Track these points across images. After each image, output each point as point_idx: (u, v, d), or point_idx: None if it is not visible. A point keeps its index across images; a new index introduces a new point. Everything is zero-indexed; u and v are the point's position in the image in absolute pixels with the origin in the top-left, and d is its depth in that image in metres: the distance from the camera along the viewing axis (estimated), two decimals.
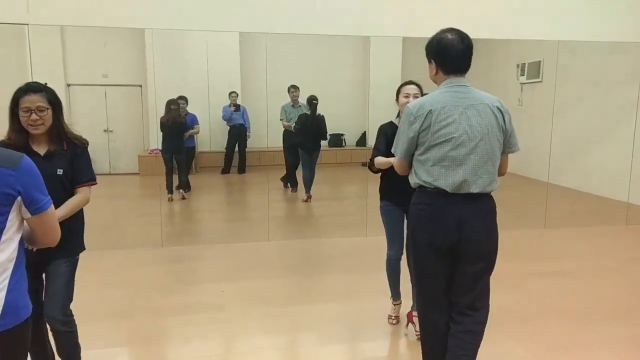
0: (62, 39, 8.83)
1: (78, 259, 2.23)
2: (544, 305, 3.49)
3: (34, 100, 2.01)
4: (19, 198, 1.40)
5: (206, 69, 9.08)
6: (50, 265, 2.05)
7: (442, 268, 2.08)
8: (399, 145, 2.15)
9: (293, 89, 7.25)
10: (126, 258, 4.42)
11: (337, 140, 9.74)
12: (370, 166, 2.99)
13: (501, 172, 2.14)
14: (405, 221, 2.57)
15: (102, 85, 8.98)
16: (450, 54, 2.05)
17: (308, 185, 6.79)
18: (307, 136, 6.72)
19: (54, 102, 2.09)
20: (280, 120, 7.30)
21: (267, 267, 4.29)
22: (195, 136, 7.47)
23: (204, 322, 3.19)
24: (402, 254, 3.02)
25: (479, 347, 2.12)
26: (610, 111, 6.94)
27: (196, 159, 8.89)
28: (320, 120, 6.78)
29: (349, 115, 9.88)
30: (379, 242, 4.94)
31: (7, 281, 1.39)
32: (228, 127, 8.60)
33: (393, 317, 3.18)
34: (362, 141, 9.93)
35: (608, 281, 3.94)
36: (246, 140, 8.58)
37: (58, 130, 2.11)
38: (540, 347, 2.88)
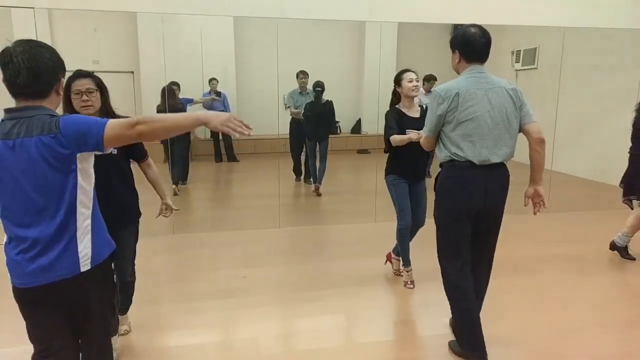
0: (50, 24, 8.54)
1: (139, 223, 2.65)
2: (566, 286, 3.60)
3: (84, 83, 2.26)
4: (78, 154, 1.53)
5: (200, 54, 8.92)
6: (119, 232, 2.28)
7: (468, 228, 2.45)
8: (428, 123, 2.49)
9: (302, 75, 6.87)
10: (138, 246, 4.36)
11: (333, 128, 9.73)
12: (386, 146, 3.28)
13: (535, 138, 2.44)
14: (417, 189, 3.35)
15: (93, 71, 8.74)
16: (474, 45, 2.41)
17: (320, 176, 6.50)
18: (314, 125, 6.45)
19: (102, 86, 2.33)
20: (287, 107, 7.05)
21: (282, 253, 4.30)
22: None
23: (231, 307, 3.20)
24: (411, 223, 3.37)
25: None
26: (606, 98, 7.08)
27: (192, 147, 8.80)
28: (329, 107, 6.50)
29: (344, 102, 9.84)
30: (389, 228, 5.01)
31: (90, 225, 1.62)
32: None
33: (409, 282, 3.49)
34: (357, 128, 9.95)
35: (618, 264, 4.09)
36: None
37: (107, 112, 2.32)
38: (565, 326, 2.98)
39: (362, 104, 10.14)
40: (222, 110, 8.53)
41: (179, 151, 6.53)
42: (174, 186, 6.33)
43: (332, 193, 7.03)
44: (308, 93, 6.83)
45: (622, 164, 4.15)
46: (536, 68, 8.29)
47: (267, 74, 7.08)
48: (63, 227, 1.56)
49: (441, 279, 2.58)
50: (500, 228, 2.55)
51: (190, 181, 6.97)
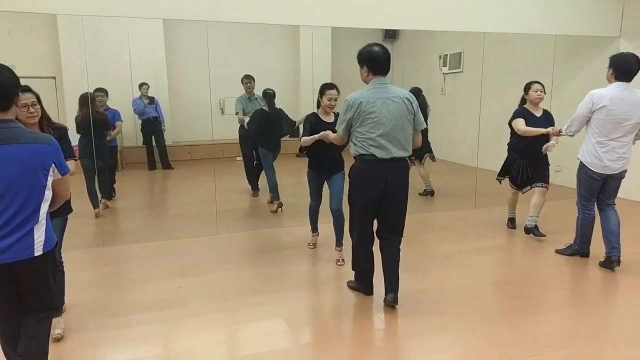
0: None
1: (67, 218, 2.89)
2: (486, 277, 3.81)
3: (29, 97, 2.51)
4: (53, 165, 2.03)
5: (128, 59, 8.55)
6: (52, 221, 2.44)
7: (373, 207, 3.12)
8: (340, 124, 3.12)
9: (247, 80, 6.56)
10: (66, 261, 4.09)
11: None
12: (301, 145, 3.97)
13: (415, 143, 3.14)
14: (333, 181, 4.02)
15: None
16: (378, 61, 2.99)
17: (275, 190, 5.84)
18: (266, 133, 5.84)
19: (39, 97, 2.58)
20: (236, 114, 6.62)
21: (220, 260, 4.21)
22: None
23: (168, 318, 3.08)
24: (320, 203, 4.23)
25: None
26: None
27: (122, 155, 8.40)
28: (279, 114, 5.98)
29: (281, 106, 9.84)
30: (329, 230, 5.05)
31: (45, 219, 2.04)
32: (140, 121, 8.20)
33: (311, 244, 4.42)
34: (295, 132, 9.94)
35: (535, 254, 4.39)
36: (162, 134, 8.22)
37: (46, 118, 2.63)
38: (488, 315, 3.15)
39: (299, 109, 10.16)
40: (155, 117, 8.24)
41: (102, 165, 5.62)
42: (102, 201, 5.71)
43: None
44: (257, 98, 6.52)
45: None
46: (462, 71, 8.74)
47: (200, 79, 6.93)
48: (27, 217, 1.96)
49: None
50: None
51: (121, 191, 6.64)
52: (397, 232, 3.17)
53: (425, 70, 9.66)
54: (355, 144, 3.06)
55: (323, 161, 3.98)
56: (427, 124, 4.45)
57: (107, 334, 2.90)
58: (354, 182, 3.12)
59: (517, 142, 4.61)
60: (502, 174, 4.90)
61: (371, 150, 2.97)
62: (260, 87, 6.62)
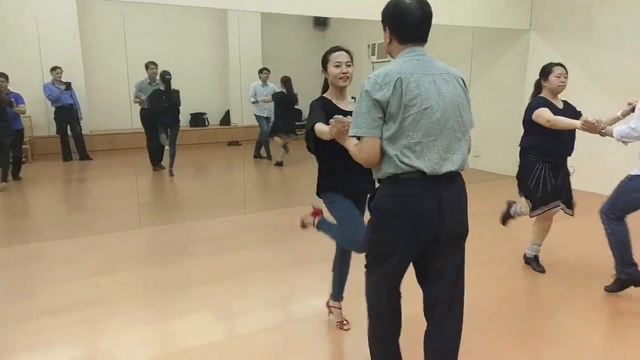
0: None
1: None
2: None
3: None
4: None
5: (37, 41, 7.84)
6: None
7: (404, 268, 1.88)
8: (360, 120, 1.74)
9: (153, 66, 6.96)
10: None
11: (199, 120, 9.37)
12: (308, 140, 2.40)
13: (469, 148, 1.92)
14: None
15: None
16: (407, 20, 1.80)
17: (172, 160, 6.79)
18: (164, 112, 6.66)
19: None
20: (136, 98, 6.90)
21: (142, 255, 4.01)
22: (21, 117, 6.58)
23: (86, 320, 2.88)
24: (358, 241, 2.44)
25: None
26: None
27: (32, 145, 7.75)
28: (176, 94, 6.74)
29: (210, 93, 9.55)
30: (260, 218, 4.99)
31: None
32: (54, 108, 7.67)
33: (345, 322, 2.76)
34: (225, 120, 9.71)
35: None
36: (79, 122, 7.73)
37: None
38: None
39: (229, 95, 9.90)
40: (71, 104, 7.67)
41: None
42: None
43: (200, 187, 6.79)
44: (157, 84, 6.81)
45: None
46: (389, 60, 8.87)
47: (118, 64, 6.52)
48: None
49: None
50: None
51: (31, 184, 6.12)
52: (453, 308, 1.91)
53: (354, 58, 9.73)
54: (382, 158, 1.77)
55: (350, 172, 2.23)
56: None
57: (19, 341, 2.65)
58: (382, 224, 1.83)
59: (542, 142, 3.37)
60: (524, 189, 3.55)
61: (415, 164, 1.72)
62: (183, 71, 6.50)
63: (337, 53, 2.43)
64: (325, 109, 2.39)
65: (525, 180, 3.50)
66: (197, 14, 9.26)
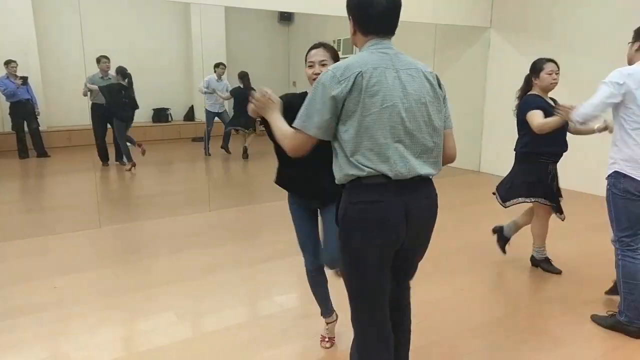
0: None
1: None
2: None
3: None
4: None
5: None
6: None
7: (386, 276, 1.74)
8: (307, 116, 1.62)
9: (105, 59, 6.83)
10: None
11: (162, 115, 9.18)
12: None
13: (448, 154, 1.81)
14: (327, 214, 2.23)
15: None
16: (371, 10, 1.67)
17: (128, 153, 6.80)
18: (121, 105, 6.63)
19: None
20: (85, 90, 6.80)
21: (102, 255, 3.91)
22: None
23: (42, 322, 2.79)
24: (318, 259, 2.38)
25: None
26: None
27: None
28: (131, 87, 6.77)
29: (173, 88, 9.36)
30: (224, 215, 4.96)
31: None
32: (9, 104, 7.36)
33: (327, 339, 2.56)
34: (189, 115, 9.55)
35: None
36: (36, 118, 7.46)
37: None
38: None
39: (194, 91, 9.74)
40: (28, 99, 7.37)
41: None
42: None
43: (163, 184, 6.67)
44: (110, 78, 6.76)
45: None
46: None
47: (77, 58, 6.32)
48: None
49: None
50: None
51: None
52: (407, 290, 1.94)
53: None
54: (341, 160, 1.65)
55: (304, 174, 2.15)
56: None
57: None
58: (352, 233, 1.67)
59: (552, 141, 3.19)
60: (537, 192, 3.33)
61: (378, 167, 1.60)
62: (145, 66, 6.37)
63: (313, 51, 2.19)
64: (294, 104, 1.88)
65: (541, 183, 3.30)
66: (158, 7, 9.05)
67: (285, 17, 10.31)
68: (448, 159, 1.82)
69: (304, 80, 2.19)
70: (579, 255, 3.85)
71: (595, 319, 2.81)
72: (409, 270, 1.87)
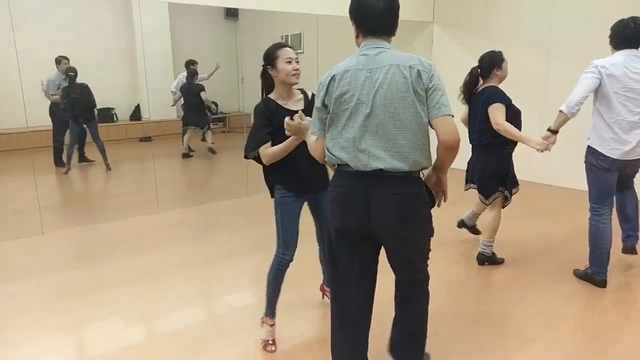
0: None
1: None
2: None
3: None
4: None
5: None
6: None
7: (359, 251, 1.91)
8: (313, 121, 1.93)
9: (65, 60, 6.79)
10: None
11: (107, 115, 8.81)
12: (252, 157, 2.32)
13: (443, 141, 1.74)
14: (321, 205, 2.35)
15: None
16: (365, 13, 1.79)
17: (104, 154, 6.87)
18: (79, 107, 6.55)
19: None
20: (52, 95, 6.63)
21: (45, 262, 3.74)
22: None
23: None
24: (294, 252, 2.42)
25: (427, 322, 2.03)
26: None
27: None
28: (87, 88, 6.73)
29: (117, 87, 8.99)
30: (173, 216, 4.87)
31: None
32: None
33: (270, 342, 2.49)
34: (136, 115, 9.24)
35: None
36: None
37: None
38: None
39: (140, 89, 9.42)
40: None
41: None
42: None
43: (109, 187, 6.45)
44: (65, 78, 6.63)
45: None
46: (303, 52, 9.01)
47: (9, 55, 5.94)
48: None
49: None
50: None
51: None
52: (414, 284, 1.98)
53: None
54: (327, 147, 1.87)
55: (303, 168, 2.29)
56: None
57: None
58: (328, 207, 1.92)
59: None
60: (512, 184, 3.41)
61: (343, 157, 1.78)
62: (86, 64, 6.14)
63: (287, 49, 2.30)
64: (271, 117, 2.28)
65: (508, 175, 3.34)
66: (96, 1, 8.68)
67: (232, 13, 10.16)
68: (444, 145, 1.74)
69: (252, 76, 2.21)
70: (518, 243, 4.07)
71: (575, 271, 3.29)
72: (400, 269, 1.97)
